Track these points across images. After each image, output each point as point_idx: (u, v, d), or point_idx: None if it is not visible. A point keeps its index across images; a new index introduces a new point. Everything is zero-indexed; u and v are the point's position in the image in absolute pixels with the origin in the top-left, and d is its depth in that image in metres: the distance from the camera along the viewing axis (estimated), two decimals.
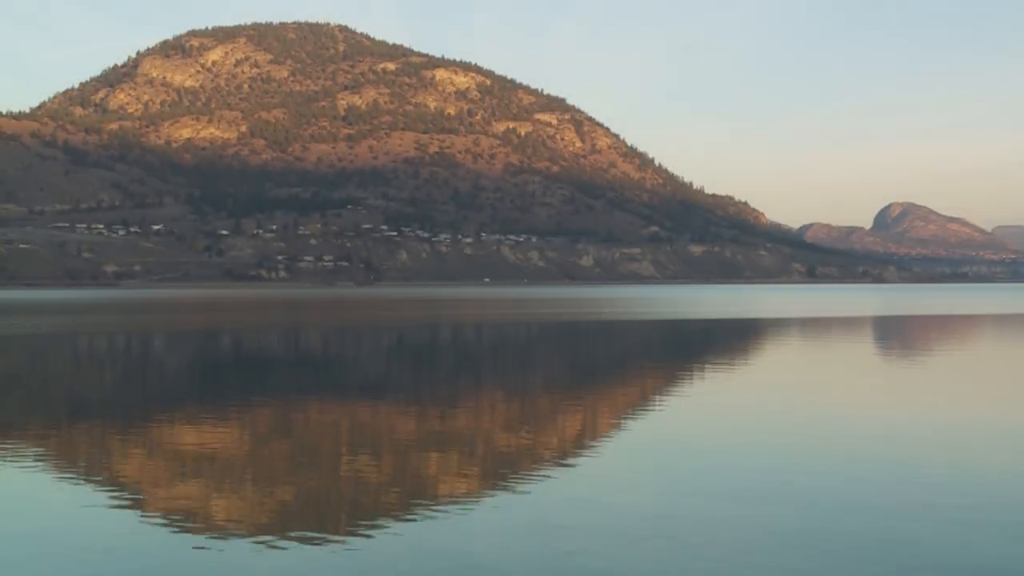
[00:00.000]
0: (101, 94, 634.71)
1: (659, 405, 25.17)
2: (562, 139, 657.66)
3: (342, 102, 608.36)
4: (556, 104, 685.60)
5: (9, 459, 17.42)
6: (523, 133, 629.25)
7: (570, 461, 17.37)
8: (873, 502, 14.18)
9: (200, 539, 12.42)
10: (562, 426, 22.29)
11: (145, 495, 15.01)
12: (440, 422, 22.30)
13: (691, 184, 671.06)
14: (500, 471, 16.67)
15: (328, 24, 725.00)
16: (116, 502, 14.37)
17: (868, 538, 12.33)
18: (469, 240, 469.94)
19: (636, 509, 13.78)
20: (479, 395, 28.48)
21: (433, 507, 13.96)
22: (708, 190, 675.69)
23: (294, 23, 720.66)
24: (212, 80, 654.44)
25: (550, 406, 25.57)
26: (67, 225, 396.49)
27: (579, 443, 19.71)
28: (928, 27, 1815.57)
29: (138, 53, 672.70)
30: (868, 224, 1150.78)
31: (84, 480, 15.90)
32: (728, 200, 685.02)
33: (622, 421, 22.78)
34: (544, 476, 15.99)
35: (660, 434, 20.49)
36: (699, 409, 24.05)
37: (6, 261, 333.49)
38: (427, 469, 17.03)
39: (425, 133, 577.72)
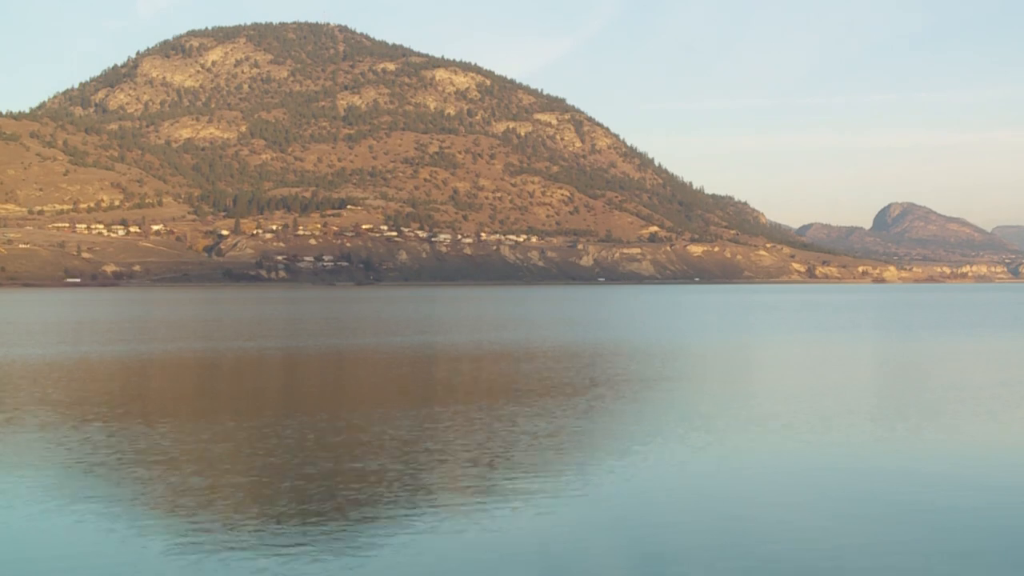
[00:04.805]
0: (101, 94, 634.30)
1: None
2: (562, 139, 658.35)
3: (342, 102, 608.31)
4: (556, 104, 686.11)
5: None
6: (523, 133, 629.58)
7: None
8: None
9: None
10: None
11: None
12: None
13: (691, 184, 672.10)
14: None
15: (328, 24, 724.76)
16: None
17: None
18: (469, 240, 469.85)
19: None
20: None
21: None
22: (708, 190, 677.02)
23: (294, 23, 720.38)
24: (212, 80, 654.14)
25: None
26: (67, 225, 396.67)
27: None
28: (928, 27, 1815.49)
29: (138, 53, 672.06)
30: (868, 224, 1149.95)
31: None
32: (728, 200, 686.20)
33: None
34: None
35: None
36: None
37: (6, 261, 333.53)
38: None
39: (425, 133, 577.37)
